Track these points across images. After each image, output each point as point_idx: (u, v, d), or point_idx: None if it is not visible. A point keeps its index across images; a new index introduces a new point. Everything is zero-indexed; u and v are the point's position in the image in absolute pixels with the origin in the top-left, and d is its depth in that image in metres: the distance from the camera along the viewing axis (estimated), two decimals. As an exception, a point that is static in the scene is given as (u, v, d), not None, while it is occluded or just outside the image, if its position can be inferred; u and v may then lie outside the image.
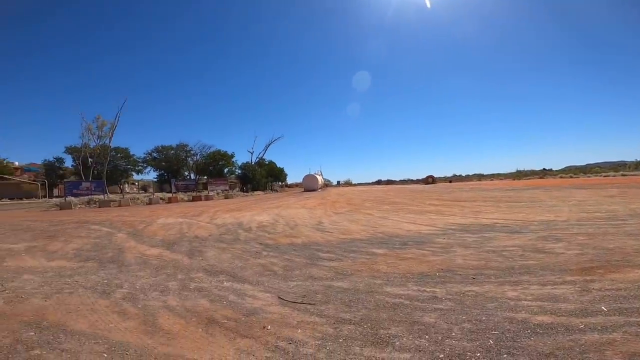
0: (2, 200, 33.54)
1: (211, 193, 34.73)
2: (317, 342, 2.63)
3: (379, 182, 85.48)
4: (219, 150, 53.72)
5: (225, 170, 53.90)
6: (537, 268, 4.40)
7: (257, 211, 15.26)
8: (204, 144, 54.98)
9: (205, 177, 49.51)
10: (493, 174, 75.33)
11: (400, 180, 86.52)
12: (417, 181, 75.46)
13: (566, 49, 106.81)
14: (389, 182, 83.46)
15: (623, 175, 43.44)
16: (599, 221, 8.03)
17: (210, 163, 52.44)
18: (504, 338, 2.54)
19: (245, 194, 40.65)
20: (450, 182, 66.35)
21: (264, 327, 2.93)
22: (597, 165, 73.67)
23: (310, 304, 3.50)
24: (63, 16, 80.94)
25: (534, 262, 4.69)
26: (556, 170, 68.69)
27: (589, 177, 47.36)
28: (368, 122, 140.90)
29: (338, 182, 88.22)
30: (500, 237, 6.79)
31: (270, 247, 6.83)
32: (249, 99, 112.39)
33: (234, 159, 54.83)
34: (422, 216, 11.23)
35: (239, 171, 55.09)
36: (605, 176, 44.85)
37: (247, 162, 55.11)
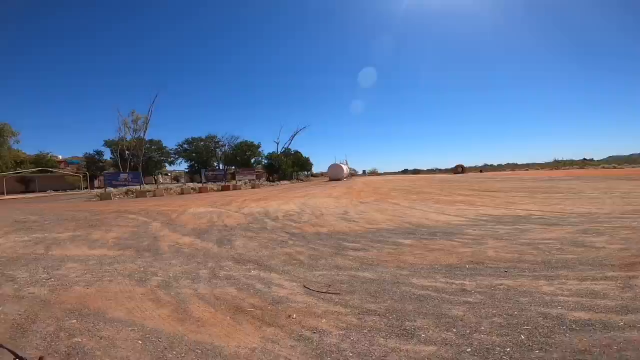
0: (48, 191, 36.16)
1: (239, 183, 35.65)
2: (341, 332, 2.64)
3: (405, 172, 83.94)
4: (246, 141, 54.91)
5: (252, 160, 55.05)
6: (576, 262, 4.16)
7: (283, 200, 15.49)
8: (232, 135, 56.29)
9: (233, 167, 50.80)
10: (528, 164, 71.82)
11: (428, 169, 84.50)
12: (446, 170, 73.39)
13: (607, 38, 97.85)
14: (416, 171, 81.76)
15: (673, 165, 39.85)
16: (646, 213, 7.44)
17: (237, 153, 53.67)
18: (537, 334, 2.42)
19: (271, 183, 41.34)
20: (481, 171, 64.05)
21: (289, 316, 2.98)
22: (644, 155, 67.63)
23: (335, 293, 3.51)
24: (93, 19, 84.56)
25: (573, 256, 4.43)
26: (598, 160, 64.31)
27: (634, 167, 43.85)
28: (393, 111, 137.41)
29: (364, 171, 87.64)
30: (536, 229, 6.47)
31: (296, 236, 6.91)
32: (274, 89, 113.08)
33: (260, 149, 55.88)
34: (451, 206, 10.92)
35: (266, 161, 56.12)
36: (652, 167, 41.38)
37: (273, 152, 56.03)
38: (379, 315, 2.92)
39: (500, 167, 75.08)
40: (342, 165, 53.85)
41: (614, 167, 46.35)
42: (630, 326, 2.46)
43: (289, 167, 54.09)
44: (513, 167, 71.85)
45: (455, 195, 14.78)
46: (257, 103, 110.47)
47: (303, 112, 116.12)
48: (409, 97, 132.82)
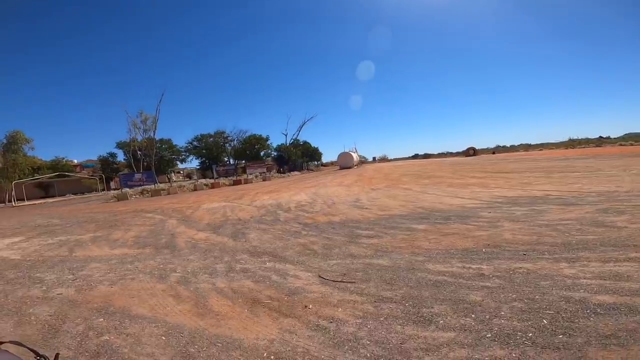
0: (67, 195, 37.15)
1: (250, 176, 35.95)
2: (358, 320, 2.65)
3: (415, 157, 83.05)
4: (254, 134, 55.01)
5: (262, 153, 55.30)
6: (597, 243, 4.04)
7: (294, 191, 15.55)
8: (240, 129, 56.37)
9: (244, 161, 51.16)
10: (542, 144, 69.90)
11: (439, 153, 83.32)
12: (457, 154, 72.12)
13: (620, 16, 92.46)
14: (427, 155, 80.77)
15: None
16: (670, 187, 7.16)
17: (247, 147, 53.92)
18: (560, 318, 2.37)
19: (282, 175, 41.50)
20: (494, 153, 62.78)
21: (306, 307, 3.01)
22: (663, 131, 64.50)
23: (350, 282, 3.52)
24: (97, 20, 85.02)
25: (593, 237, 4.31)
26: (614, 138, 61.83)
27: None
28: (399, 95, 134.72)
29: (374, 158, 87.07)
30: (554, 210, 6.31)
31: (310, 227, 6.94)
32: (279, 82, 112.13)
33: (269, 142, 56.05)
34: (464, 189, 10.75)
35: (275, 153, 56.35)
36: (671, 143, 39.58)
37: (282, 144, 56.18)
38: (395, 302, 2.92)
39: (513, 148, 73.23)
40: (352, 153, 53.54)
41: (632, 144, 44.54)
42: (657, 309, 2.36)
43: (298, 157, 54.27)
44: (526, 147, 70.05)
45: (468, 178, 14.54)
46: (262, 96, 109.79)
47: (309, 103, 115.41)
48: (416, 81, 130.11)
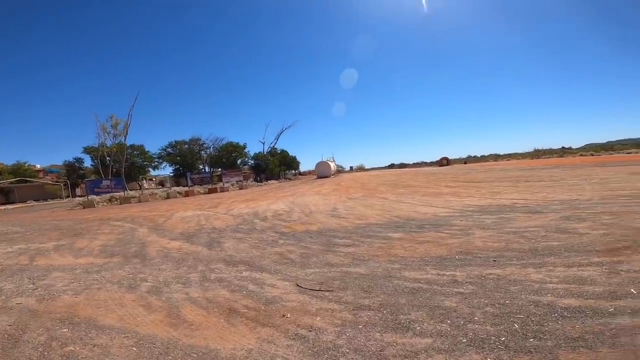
0: (28, 202, 34.87)
1: (226, 184, 35.29)
2: (336, 328, 2.64)
3: (392, 166, 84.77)
4: (231, 142, 54.26)
5: (239, 161, 54.55)
6: (562, 249, 4.27)
7: (272, 200, 15.39)
8: (216, 136, 55.50)
9: (220, 169, 50.18)
10: (510, 154, 73.65)
11: (414, 163, 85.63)
12: (431, 163, 74.39)
13: (582, 23, 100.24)
14: (402, 165, 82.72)
15: (648, 151, 41.56)
16: (624, 199, 7.71)
17: (223, 155, 53.03)
18: (530, 322, 2.47)
19: (259, 183, 41.02)
20: (465, 162, 65.16)
21: (284, 316, 2.97)
22: (619, 142, 69.99)
23: (328, 290, 3.51)
24: (72, 18, 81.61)
25: (558, 243, 4.55)
26: (576, 149, 66.22)
27: (611, 154, 45.50)
28: (377, 106, 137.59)
29: (351, 167, 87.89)
30: (521, 217, 6.62)
31: (287, 235, 6.88)
32: (256, 89, 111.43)
33: (246, 150, 55.44)
34: (438, 198, 11.08)
35: (252, 162, 55.75)
36: (628, 153, 43.03)
37: (259, 152, 55.71)
38: (373, 310, 2.94)
39: (483, 158, 76.53)
40: (329, 163, 53.81)
41: (592, 155, 47.92)
42: (620, 312, 2.50)
43: (276, 166, 53.95)
44: (496, 157, 73.48)
45: (442, 187, 15.00)
46: (240, 104, 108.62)
47: (287, 111, 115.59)
48: (392, 92, 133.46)
